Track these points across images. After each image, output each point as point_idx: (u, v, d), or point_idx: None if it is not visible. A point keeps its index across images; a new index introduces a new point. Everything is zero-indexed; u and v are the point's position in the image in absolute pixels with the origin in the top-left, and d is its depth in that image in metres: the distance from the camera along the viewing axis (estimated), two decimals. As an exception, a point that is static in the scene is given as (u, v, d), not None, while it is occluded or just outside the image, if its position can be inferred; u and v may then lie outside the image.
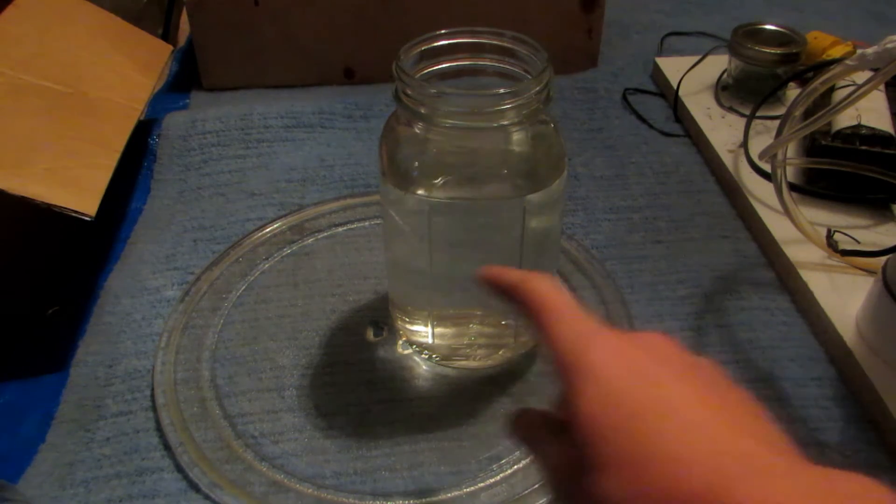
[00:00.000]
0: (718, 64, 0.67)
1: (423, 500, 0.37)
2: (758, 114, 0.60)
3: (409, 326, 0.43)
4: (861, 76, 0.44)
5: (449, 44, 0.36)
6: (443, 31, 0.36)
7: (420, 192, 0.35)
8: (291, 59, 0.68)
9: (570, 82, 0.68)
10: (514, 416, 0.27)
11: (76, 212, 0.43)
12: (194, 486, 0.37)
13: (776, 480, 0.19)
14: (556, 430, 0.24)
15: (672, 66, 0.69)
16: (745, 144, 0.57)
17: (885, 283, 0.41)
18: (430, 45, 0.36)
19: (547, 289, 0.26)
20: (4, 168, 0.42)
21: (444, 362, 0.43)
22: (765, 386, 0.42)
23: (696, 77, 0.67)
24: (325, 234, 0.53)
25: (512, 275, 0.27)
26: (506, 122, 0.33)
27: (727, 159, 0.58)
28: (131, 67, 0.59)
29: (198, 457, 0.39)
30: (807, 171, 0.54)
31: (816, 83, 0.44)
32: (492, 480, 0.38)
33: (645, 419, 0.21)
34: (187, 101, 0.68)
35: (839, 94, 0.57)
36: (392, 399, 0.42)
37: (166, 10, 0.85)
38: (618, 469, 0.20)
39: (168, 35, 0.85)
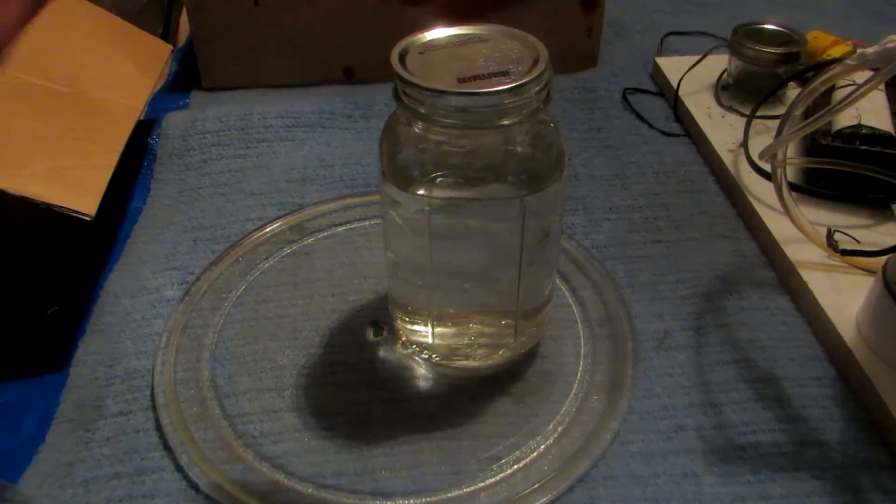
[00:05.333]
0: (718, 64, 0.67)
1: (423, 500, 0.37)
2: (758, 113, 0.60)
3: (409, 326, 0.43)
4: (861, 76, 0.44)
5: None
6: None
7: (420, 191, 0.35)
8: (291, 59, 0.68)
9: (570, 82, 0.68)
10: None
11: (76, 212, 0.43)
12: (194, 486, 0.37)
13: None
14: None
15: (672, 66, 0.69)
16: (745, 144, 0.57)
17: (885, 283, 0.41)
18: (429, 45, 0.35)
19: None
20: (4, 168, 0.42)
21: (444, 362, 0.43)
22: (765, 386, 0.42)
23: (696, 77, 0.67)
24: (325, 234, 0.53)
25: None
26: (506, 122, 0.33)
27: (727, 159, 0.58)
28: (131, 67, 0.59)
29: (198, 457, 0.39)
30: (807, 171, 0.54)
31: (816, 83, 0.44)
32: (492, 480, 0.38)
33: None
34: (187, 100, 0.68)
35: (839, 94, 0.57)
36: (392, 399, 0.42)
37: (166, 10, 0.85)
38: None
39: (168, 35, 0.85)
